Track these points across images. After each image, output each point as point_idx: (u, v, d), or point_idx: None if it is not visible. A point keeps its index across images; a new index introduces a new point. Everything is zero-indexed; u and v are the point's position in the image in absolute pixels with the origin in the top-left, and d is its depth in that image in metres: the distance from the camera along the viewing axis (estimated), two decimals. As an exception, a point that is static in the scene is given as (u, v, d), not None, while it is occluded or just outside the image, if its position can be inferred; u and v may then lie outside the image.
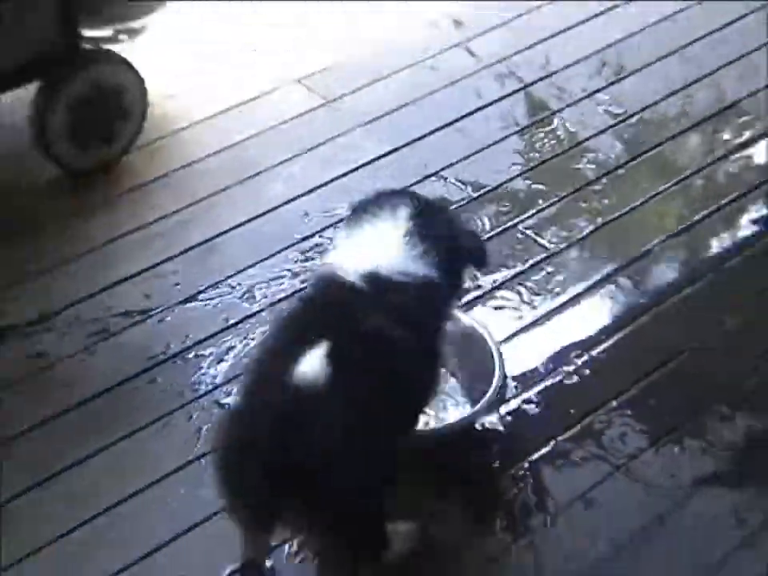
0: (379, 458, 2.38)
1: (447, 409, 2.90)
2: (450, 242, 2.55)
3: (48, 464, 2.77)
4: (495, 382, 2.80)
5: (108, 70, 3.40)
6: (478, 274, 3.20)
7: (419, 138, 3.69)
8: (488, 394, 2.78)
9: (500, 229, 3.41)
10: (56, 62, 3.29)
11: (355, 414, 2.27)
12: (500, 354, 2.87)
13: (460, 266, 2.63)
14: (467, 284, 2.89)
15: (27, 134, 3.42)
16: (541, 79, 3.91)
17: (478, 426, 2.84)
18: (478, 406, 2.79)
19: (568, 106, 3.82)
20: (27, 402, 2.91)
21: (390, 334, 2.33)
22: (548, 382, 3.01)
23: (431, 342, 2.53)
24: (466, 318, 2.97)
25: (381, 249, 2.43)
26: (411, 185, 3.50)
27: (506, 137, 3.71)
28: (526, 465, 2.82)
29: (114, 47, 3.48)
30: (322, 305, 2.43)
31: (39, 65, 3.28)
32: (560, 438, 2.88)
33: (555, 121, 3.76)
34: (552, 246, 3.36)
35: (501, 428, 2.89)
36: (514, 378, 3.01)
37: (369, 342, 2.31)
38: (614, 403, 2.95)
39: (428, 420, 2.82)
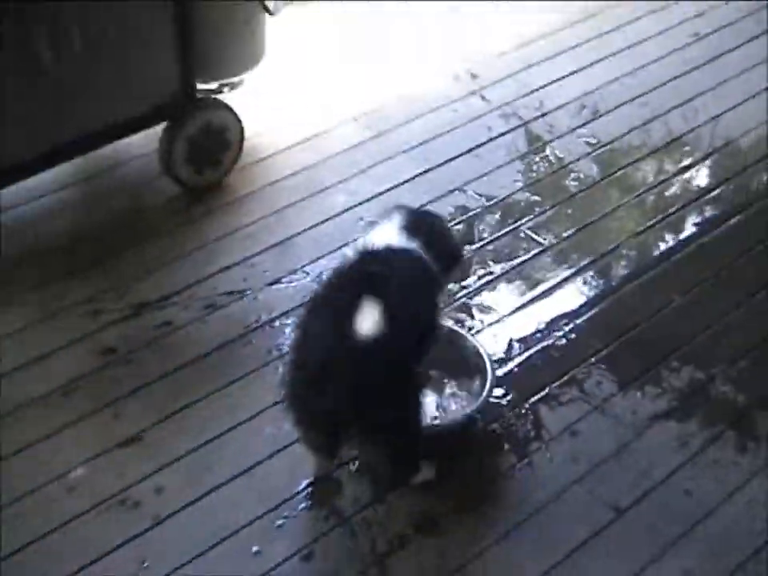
0: (414, 391, 2.45)
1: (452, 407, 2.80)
2: (437, 238, 2.60)
3: (173, 404, 2.83)
4: (489, 377, 2.72)
5: (216, 114, 3.43)
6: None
7: (446, 162, 3.69)
8: (486, 389, 2.70)
9: (507, 229, 3.42)
10: (178, 108, 3.33)
11: (398, 355, 2.34)
12: (487, 353, 2.80)
13: (444, 258, 2.59)
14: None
15: (155, 162, 3.47)
16: (536, 118, 3.90)
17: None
18: (480, 400, 2.69)
19: (557, 138, 3.81)
20: (157, 359, 2.95)
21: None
22: (544, 343, 3.03)
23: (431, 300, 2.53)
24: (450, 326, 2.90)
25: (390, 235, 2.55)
26: (441, 196, 3.53)
27: (511, 161, 3.71)
28: (527, 405, 2.86)
29: (219, 96, 3.52)
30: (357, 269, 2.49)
31: (166, 110, 3.32)
32: (552, 385, 2.91)
33: (547, 149, 3.76)
34: (546, 242, 3.37)
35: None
36: (518, 341, 3.04)
37: (400, 297, 2.35)
38: (593, 359, 2.99)
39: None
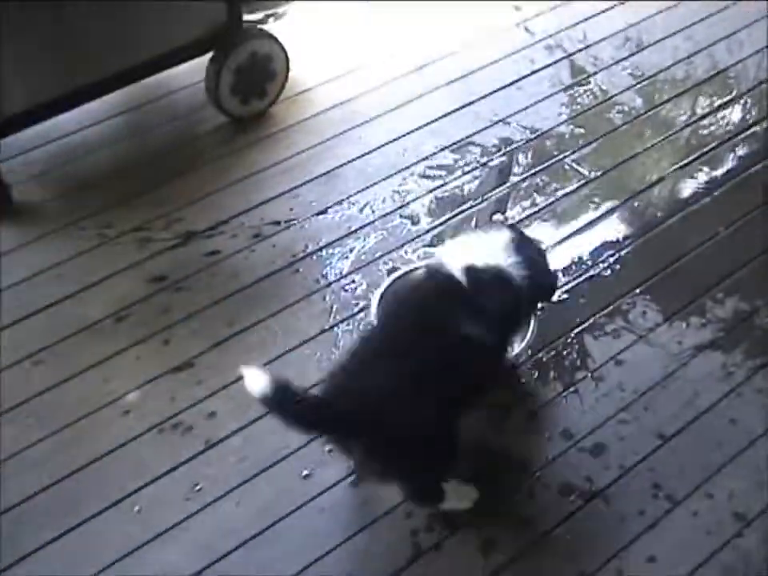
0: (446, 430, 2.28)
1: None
2: (537, 267, 2.39)
3: (223, 331, 2.84)
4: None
5: (261, 43, 3.39)
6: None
7: (489, 94, 3.63)
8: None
9: (551, 162, 3.39)
10: (225, 38, 3.30)
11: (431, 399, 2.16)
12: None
13: (537, 290, 2.42)
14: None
15: (202, 92, 3.45)
16: (580, 50, 3.84)
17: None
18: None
19: (601, 70, 3.75)
20: (206, 287, 2.96)
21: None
22: (589, 274, 3.01)
23: (505, 338, 2.40)
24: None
25: (484, 253, 2.31)
26: (484, 128, 3.49)
27: (554, 93, 3.65)
28: (573, 335, 2.85)
29: (265, 27, 3.48)
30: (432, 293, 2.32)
31: (213, 40, 3.29)
32: (598, 315, 2.90)
33: (591, 81, 3.70)
34: (589, 174, 3.34)
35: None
36: (562, 272, 3.01)
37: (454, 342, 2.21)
38: (637, 290, 2.96)
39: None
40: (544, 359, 2.78)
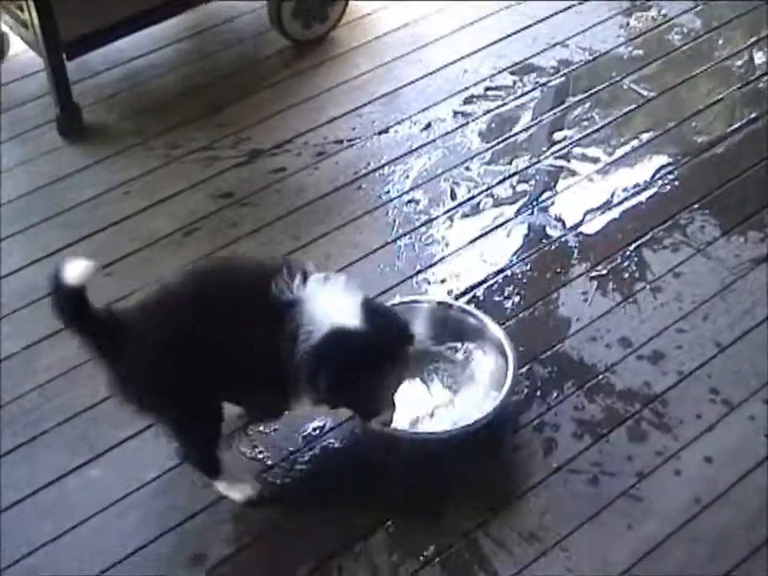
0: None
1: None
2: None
3: (289, 244, 2.87)
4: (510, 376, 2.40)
5: (323, -34, 3.39)
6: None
7: (548, 17, 3.63)
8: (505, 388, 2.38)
9: (609, 82, 3.37)
10: (287, -40, 3.31)
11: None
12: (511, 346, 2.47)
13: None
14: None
15: (264, 17, 3.49)
16: (638, -26, 3.78)
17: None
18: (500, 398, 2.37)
19: (662, -8, 3.69)
20: (272, 202, 3.01)
21: None
22: (649, 191, 3.01)
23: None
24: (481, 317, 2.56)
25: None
26: (542, 50, 3.49)
27: (613, 16, 3.62)
28: (632, 249, 2.86)
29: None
30: None
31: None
32: (656, 230, 2.90)
33: (650, 4, 3.67)
34: (648, 94, 3.33)
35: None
36: (622, 188, 3.01)
37: None
38: (696, 206, 2.96)
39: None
40: (603, 272, 2.79)
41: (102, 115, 3.29)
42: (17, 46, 3.51)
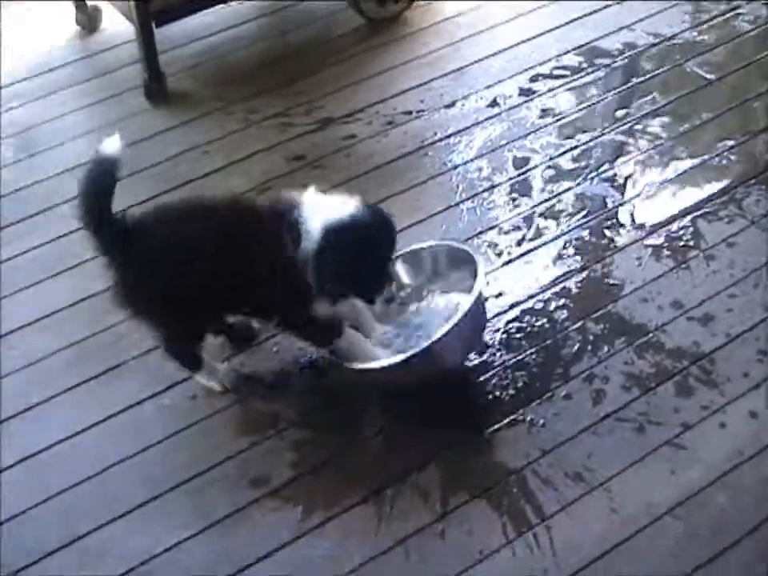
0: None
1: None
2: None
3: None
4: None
5: (398, -53, 3.53)
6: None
7: (615, 3, 3.71)
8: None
9: (672, 65, 3.45)
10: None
11: None
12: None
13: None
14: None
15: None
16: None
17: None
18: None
19: (729, -19, 3.75)
20: (342, 166, 3.15)
21: None
22: (707, 166, 3.08)
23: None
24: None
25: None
26: (608, 34, 3.58)
27: (680, 2, 3.70)
28: (687, 219, 2.92)
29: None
30: None
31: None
32: (712, 202, 2.96)
33: (717, -9, 3.74)
34: (711, 77, 3.39)
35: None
36: (680, 163, 3.09)
37: None
38: (752, 180, 3.02)
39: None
40: (658, 240, 2.87)
41: (184, 83, 3.47)
42: (107, 21, 3.71)
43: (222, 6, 3.56)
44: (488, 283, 2.73)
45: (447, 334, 2.36)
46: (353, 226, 2.26)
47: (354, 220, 2.27)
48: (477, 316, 2.53)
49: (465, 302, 2.43)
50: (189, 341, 2.48)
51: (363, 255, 2.27)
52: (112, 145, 2.26)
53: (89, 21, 3.71)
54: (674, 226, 2.91)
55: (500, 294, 2.76)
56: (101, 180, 2.27)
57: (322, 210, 2.28)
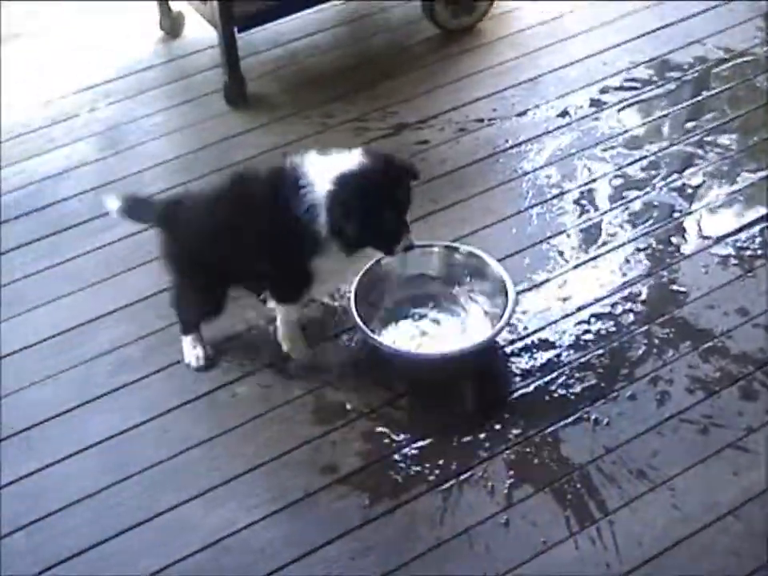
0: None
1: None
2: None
3: (428, 207, 3.06)
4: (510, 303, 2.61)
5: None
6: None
7: (686, 18, 3.77)
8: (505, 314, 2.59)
9: (742, 80, 3.49)
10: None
11: None
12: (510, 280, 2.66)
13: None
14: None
15: (415, 8, 3.76)
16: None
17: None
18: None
19: (800, -2, 3.79)
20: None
21: None
22: (773, 174, 3.15)
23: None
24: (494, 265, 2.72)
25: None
26: (679, 48, 3.63)
27: (751, 18, 3.74)
28: (756, 229, 2.97)
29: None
30: None
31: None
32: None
33: (789, 9, 3.78)
34: (783, 94, 3.43)
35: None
36: (750, 176, 3.14)
37: None
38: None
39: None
40: (725, 248, 2.92)
41: (263, 87, 3.58)
42: (189, 27, 3.84)
43: (302, 12, 3.66)
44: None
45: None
46: (363, 171, 2.33)
47: (364, 166, 2.34)
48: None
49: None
50: (200, 302, 2.65)
51: (377, 201, 2.33)
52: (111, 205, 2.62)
53: (172, 26, 3.84)
54: (742, 236, 2.96)
55: (567, 298, 2.82)
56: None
57: (327, 164, 2.37)
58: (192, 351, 2.70)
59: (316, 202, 2.32)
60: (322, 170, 2.35)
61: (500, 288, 2.68)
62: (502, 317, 2.61)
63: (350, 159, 2.36)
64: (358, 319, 2.59)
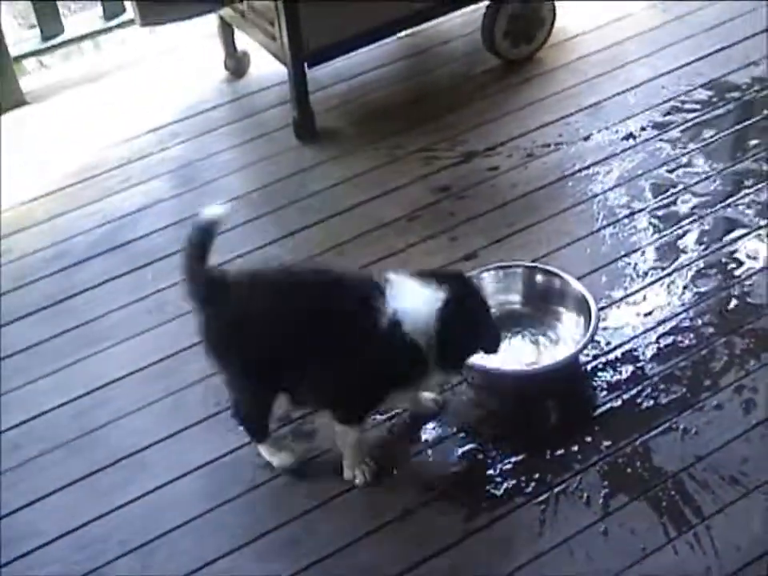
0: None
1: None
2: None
3: (502, 231, 3.18)
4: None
5: (532, -7, 3.74)
6: None
7: (742, 40, 3.87)
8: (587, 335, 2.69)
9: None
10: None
11: None
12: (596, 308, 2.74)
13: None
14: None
15: (474, 41, 3.90)
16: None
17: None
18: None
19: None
20: (486, 196, 3.33)
21: None
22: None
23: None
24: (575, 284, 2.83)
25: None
26: (737, 69, 3.74)
27: (808, 38, 3.85)
28: None
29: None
30: None
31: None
32: None
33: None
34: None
35: None
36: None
37: None
38: None
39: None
40: None
41: (331, 121, 3.70)
42: (253, 66, 3.99)
43: (365, 48, 3.79)
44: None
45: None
46: (462, 297, 2.33)
47: (458, 292, 2.33)
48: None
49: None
50: (258, 408, 2.53)
51: (480, 318, 2.40)
52: (214, 211, 2.40)
53: (238, 66, 3.98)
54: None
55: (647, 313, 2.90)
56: (199, 239, 2.39)
57: (414, 289, 2.32)
58: (275, 456, 2.61)
59: (422, 331, 2.29)
60: (413, 295, 2.31)
61: (582, 305, 2.77)
62: (585, 333, 2.70)
63: (431, 284, 2.32)
64: None
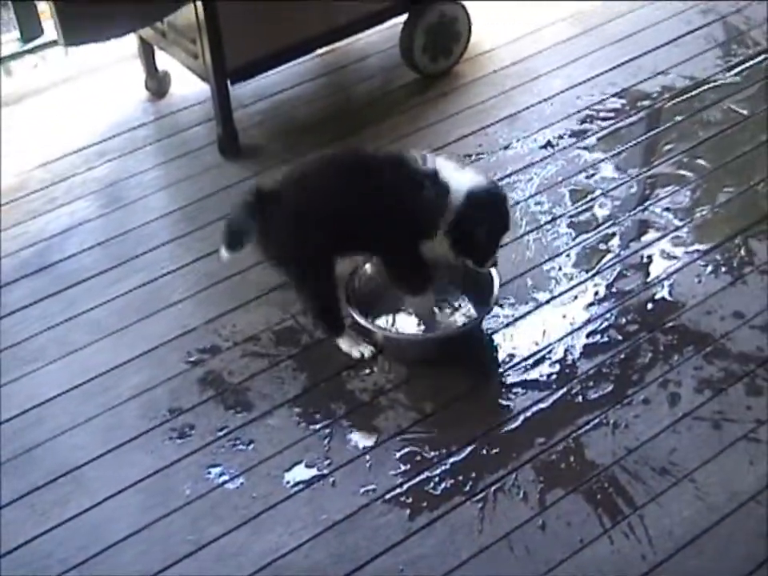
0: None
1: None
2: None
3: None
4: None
5: (448, 6, 3.83)
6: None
7: (650, 51, 4.03)
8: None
9: (710, 103, 3.74)
10: (417, 1, 3.78)
11: None
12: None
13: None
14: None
15: (392, 56, 3.98)
16: (733, 13, 4.19)
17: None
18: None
19: (755, 27, 4.10)
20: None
21: None
22: (748, 192, 3.35)
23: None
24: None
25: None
26: (647, 78, 3.87)
27: (710, 49, 4.01)
28: (738, 239, 3.17)
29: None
30: None
31: (407, 3, 3.79)
32: (761, 223, 3.22)
33: (745, 37, 4.06)
34: (747, 113, 3.68)
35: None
36: (727, 191, 3.37)
37: None
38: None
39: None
40: (714, 258, 3.12)
41: (254, 138, 3.74)
42: (174, 85, 4.01)
43: (284, 66, 3.84)
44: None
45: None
46: (495, 193, 2.74)
47: (496, 189, 2.76)
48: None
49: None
50: (327, 294, 2.80)
51: (504, 220, 2.75)
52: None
53: (158, 86, 3.99)
54: (729, 246, 3.16)
55: (572, 314, 3.00)
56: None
57: (456, 172, 2.70)
58: (356, 348, 2.87)
59: (450, 200, 2.63)
60: (456, 174, 2.69)
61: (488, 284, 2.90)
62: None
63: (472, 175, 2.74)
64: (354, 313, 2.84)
